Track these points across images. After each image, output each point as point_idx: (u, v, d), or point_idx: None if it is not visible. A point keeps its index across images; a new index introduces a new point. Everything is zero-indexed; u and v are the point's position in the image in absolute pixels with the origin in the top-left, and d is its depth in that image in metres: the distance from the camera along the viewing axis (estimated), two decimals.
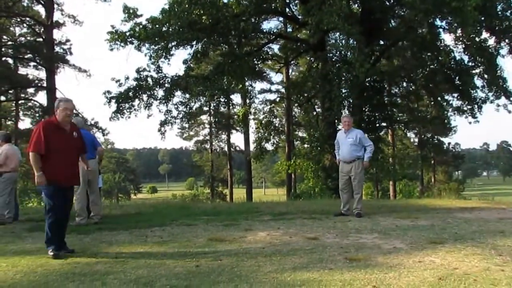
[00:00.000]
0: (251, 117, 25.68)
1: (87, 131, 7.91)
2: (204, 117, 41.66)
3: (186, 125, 38.64)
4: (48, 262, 4.47)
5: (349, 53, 16.93)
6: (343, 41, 18.15)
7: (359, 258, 4.30)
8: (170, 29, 16.41)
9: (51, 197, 4.86)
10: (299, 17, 20.81)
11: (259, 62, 22.74)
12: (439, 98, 19.49)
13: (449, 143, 42.61)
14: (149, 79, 17.83)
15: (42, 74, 27.04)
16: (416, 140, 38.67)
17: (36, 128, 4.89)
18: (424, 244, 5.01)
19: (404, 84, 22.22)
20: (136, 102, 18.07)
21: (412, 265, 4.02)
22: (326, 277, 3.64)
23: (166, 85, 17.97)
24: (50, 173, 4.80)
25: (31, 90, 29.30)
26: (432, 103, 22.18)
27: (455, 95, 19.82)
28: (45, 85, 26.00)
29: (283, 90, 33.46)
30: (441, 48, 18.03)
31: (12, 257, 4.74)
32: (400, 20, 17.64)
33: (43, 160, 4.80)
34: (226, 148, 42.53)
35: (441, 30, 17.66)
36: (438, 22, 17.34)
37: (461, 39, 17.83)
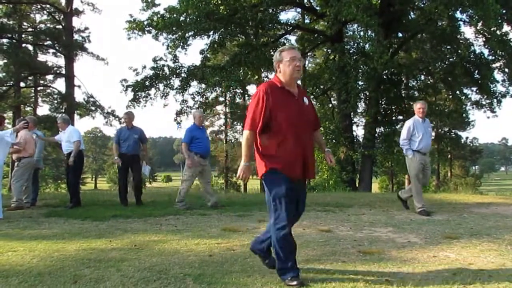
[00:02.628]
0: None
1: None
2: (219, 108, 41.66)
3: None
4: (64, 247, 4.55)
5: (367, 45, 16.74)
6: (361, 33, 17.95)
7: (373, 252, 4.27)
8: (188, 19, 16.44)
9: (281, 198, 3.29)
10: (317, 8, 20.62)
11: None
12: (457, 92, 19.13)
13: (466, 138, 41.88)
14: (166, 69, 17.92)
15: (61, 61, 27.36)
16: (433, 134, 38.15)
17: (255, 93, 3.41)
18: (439, 239, 4.95)
19: (422, 77, 21.86)
20: (153, 91, 18.22)
21: (427, 259, 3.99)
22: (339, 270, 3.63)
23: (183, 74, 18.03)
24: (275, 159, 3.32)
25: (50, 77, 29.61)
26: (450, 96, 21.82)
27: (474, 89, 19.45)
28: (63, 72, 26.32)
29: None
30: (461, 41, 17.69)
31: (29, 242, 4.83)
32: (420, 12, 17.31)
33: (263, 140, 3.36)
34: (241, 139, 42.53)
35: (461, 23, 17.31)
36: (458, 15, 17.01)
37: (481, 32, 17.46)
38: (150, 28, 17.30)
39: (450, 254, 4.20)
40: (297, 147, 3.32)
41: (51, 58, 44.44)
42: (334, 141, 19.08)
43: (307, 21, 24.89)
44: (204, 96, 19.46)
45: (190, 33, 17.04)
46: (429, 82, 21.67)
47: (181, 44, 17.41)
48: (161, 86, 18.19)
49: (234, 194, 17.81)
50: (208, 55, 18.96)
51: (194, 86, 18.95)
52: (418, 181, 7.13)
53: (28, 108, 31.29)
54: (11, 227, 5.94)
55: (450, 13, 15.52)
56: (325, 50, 24.37)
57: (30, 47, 27.98)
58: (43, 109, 76.36)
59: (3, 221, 6.42)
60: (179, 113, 19.10)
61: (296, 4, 21.17)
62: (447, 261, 3.93)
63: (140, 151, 8.50)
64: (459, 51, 17.16)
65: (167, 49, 17.67)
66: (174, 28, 16.76)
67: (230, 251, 4.38)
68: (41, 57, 29.09)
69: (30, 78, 28.58)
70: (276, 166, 3.29)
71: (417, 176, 7.09)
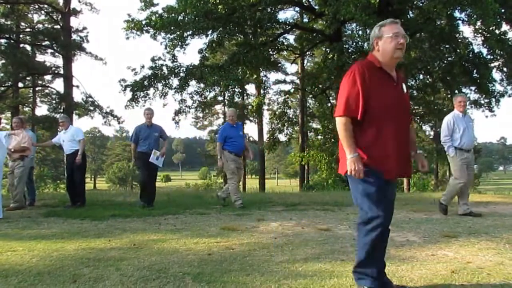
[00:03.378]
0: (265, 107, 25.72)
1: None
2: (218, 107, 41.65)
3: (200, 115, 38.70)
4: (63, 247, 4.56)
5: (365, 44, 16.74)
6: (360, 32, 17.96)
7: None
8: (186, 18, 16.42)
9: (372, 198, 2.85)
10: (316, 7, 20.60)
11: (274, 53, 22.60)
12: (456, 91, 19.14)
13: None
14: (164, 68, 17.90)
15: (59, 61, 27.36)
16: (432, 133, 38.20)
17: (349, 72, 2.86)
18: (437, 237, 4.97)
19: (421, 76, 21.88)
20: (151, 91, 18.20)
21: (425, 258, 4.00)
22: (338, 268, 3.64)
23: (181, 74, 18.01)
24: (366, 153, 2.80)
25: (48, 77, 29.62)
26: (449, 96, 21.84)
27: (473, 88, 19.46)
28: (62, 72, 26.31)
29: (297, 81, 33.28)
30: (460, 40, 17.71)
31: (28, 242, 4.84)
32: (418, 11, 17.33)
33: (357, 130, 2.81)
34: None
35: (460, 22, 17.33)
36: (457, 14, 17.02)
37: (480, 31, 17.47)
38: (149, 27, 17.29)
39: (449, 252, 4.22)
40: (393, 140, 2.81)
41: (49, 58, 44.32)
42: (332, 140, 19.11)
43: (305, 20, 24.91)
44: (203, 96, 19.47)
45: (188, 33, 17.03)
46: (427, 81, 21.68)
47: (180, 43, 17.41)
48: (159, 85, 18.18)
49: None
50: (207, 55, 18.94)
51: (193, 86, 18.96)
52: (462, 180, 6.59)
53: (26, 109, 31.27)
54: (11, 227, 5.94)
55: (448, 12, 15.54)
56: (323, 49, 24.34)
57: (28, 47, 27.97)
58: (42, 110, 76.22)
59: (3, 221, 6.42)
60: (177, 112, 19.10)
61: (294, 3, 21.17)
62: (446, 259, 3.94)
63: (159, 149, 8.34)
64: (458, 50, 17.18)
65: (166, 48, 17.67)
66: (172, 28, 16.75)
67: (229, 250, 4.39)
68: (39, 57, 29.11)
69: (28, 78, 28.57)
70: (368, 162, 2.79)
71: (461, 176, 6.60)
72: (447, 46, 18.17)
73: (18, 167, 7.81)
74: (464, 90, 19.80)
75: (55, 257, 4.09)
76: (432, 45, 18.68)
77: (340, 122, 2.81)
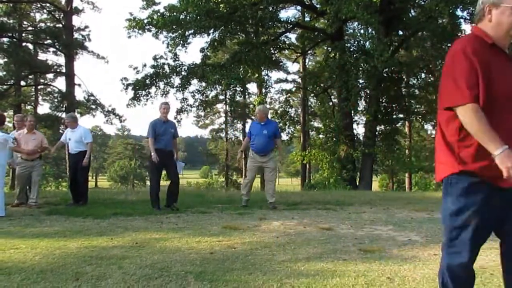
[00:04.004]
0: (267, 106, 25.64)
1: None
2: (219, 106, 41.68)
3: (202, 114, 38.77)
4: (65, 245, 4.56)
5: (367, 43, 16.75)
6: (362, 31, 17.96)
7: (374, 250, 4.28)
8: (188, 17, 16.45)
9: (462, 210, 2.11)
10: (317, 6, 20.59)
11: (275, 52, 22.63)
12: None
13: None
14: (166, 67, 17.94)
15: (61, 60, 27.40)
16: (434, 132, 38.14)
17: (458, 50, 2.13)
18: (440, 237, 4.94)
19: (423, 75, 21.90)
20: (153, 89, 18.25)
21: (428, 257, 3.99)
22: (340, 268, 3.64)
23: (183, 73, 18.06)
24: (477, 154, 2.06)
25: (50, 75, 29.63)
26: None
27: None
28: (64, 70, 26.33)
29: (299, 80, 33.29)
30: None
31: (31, 239, 4.84)
32: (420, 10, 17.32)
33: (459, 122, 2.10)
34: (241, 137, 42.57)
35: (462, 20, 17.34)
36: (459, 12, 17.01)
37: None
38: (150, 26, 17.31)
39: None
40: None
41: (51, 57, 44.26)
42: (334, 139, 19.09)
43: (307, 19, 24.88)
44: (204, 94, 19.50)
45: (190, 31, 17.07)
46: (430, 80, 21.68)
47: (181, 42, 17.44)
48: (161, 84, 18.23)
49: (235, 192, 17.82)
50: (208, 53, 18.98)
51: (195, 84, 19.02)
52: None
53: (28, 107, 31.33)
54: (13, 224, 5.95)
55: (450, 11, 15.54)
56: (325, 48, 24.36)
57: (31, 46, 27.99)
58: (44, 108, 76.30)
59: (5, 219, 6.43)
60: (179, 111, 19.13)
61: (296, 2, 21.17)
62: None
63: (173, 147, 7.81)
64: None
65: (167, 47, 17.71)
66: (174, 27, 16.79)
67: (231, 248, 4.39)
68: (42, 56, 29.14)
69: (30, 77, 28.59)
70: (475, 167, 2.06)
71: None
72: (449, 44, 18.12)
73: (39, 166, 8.01)
74: None
75: (58, 255, 4.10)
76: (434, 43, 18.68)
77: (470, 111, 2.02)
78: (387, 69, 17.07)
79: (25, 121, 8.31)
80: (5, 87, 25.62)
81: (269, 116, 22.59)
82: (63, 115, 25.76)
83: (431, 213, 6.89)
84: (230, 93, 20.53)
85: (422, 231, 5.29)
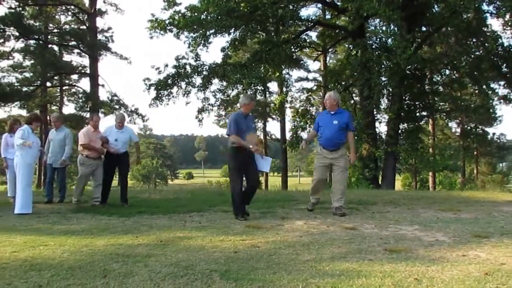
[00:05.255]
0: (288, 105, 25.59)
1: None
2: None
3: (223, 113, 38.83)
4: (92, 242, 4.64)
5: (389, 40, 16.49)
6: (384, 28, 17.70)
7: (400, 250, 4.21)
8: (209, 17, 16.52)
9: None
10: (338, 3, 20.41)
11: (296, 50, 22.52)
12: (484, 86, 18.66)
13: (493, 134, 40.78)
14: (188, 67, 18.06)
15: (86, 61, 27.96)
16: (458, 130, 37.39)
17: None
18: (468, 237, 4.85)
19: (447, 71, 21.42)
20: (175, 89, 18.39)
21: (456, 258, 3.90)
22: (366, 268, 3.60)
23: (204, 72, 18.14)
24: None
25: (74, 76, 30.29)
26: (477, 91, 21.33)
27: (502, 83, 18.97)
28: (88, 71, 26.85)
29: (320, 78, 33.05)
30: (488, 34, 17.24)
31: (59, 236, 4.95)
32: (444, 5, 16.94)
33: None
34: (262, 136, 42.57)
35: (488, 15, 16.88)
36: (485, 7, 16.57)
37: (509, 24, 16.98)
38: (172, 27, 17.45)
39: (481, 253, 4.11)
40: None
41: (76, 58, 45.31)
42: (356, 138, 18.89)
43: (328, 16, 24.70)
44: (225, 94, 19.54)
45: (211, 31, 17.12)
46: (454, 76, 21.21)
47: (202, 42, 17.50)
48: (183, 84, 18.35)
49: (256, 191, 17.82)
50: (229, 53, 19.01)
51: (216, 84, 19.10)
52: None
53: (54, 107, 32.05)
54: (41, 222, 6.10)
55: (476, 5, 15.13)
56: (346, 45, 24.12)
57: (56, 48, 28.66)
58: (69, 108, 77.99)
59: (34, 216, 6.60)
60: (200, 110, 19.24)
61: (316, 0, 21.02)
62: (478, 260, 3.84)
63: None
64: (486, 44, 16.70)
65: (189, 47, 17.81)
66: (195, 27, 16.86)
67: (255, 247, 4.39)
68: (66, 57, 29.84)
69: (56, 78, 29.31)
70: None
71: None
72: (474, 40, 17.73)
73: (101, 165, 8.07)
74: (492, 85, 19.33)
75: (85, 252, 4.17)
76: (458, 39, 18.26)
77: None
78: (410, 66, 16.77)
79: (91, 119, 8.51)
80: (32, 88, 26.27)
81: (290, 114, 21.66)
82: (88, 115, 26.27)
83: (458, 213, 6.75)
84: (251, 92, 20.53)
85: (449, 232, 5.18)
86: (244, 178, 6.47)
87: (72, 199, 8.17)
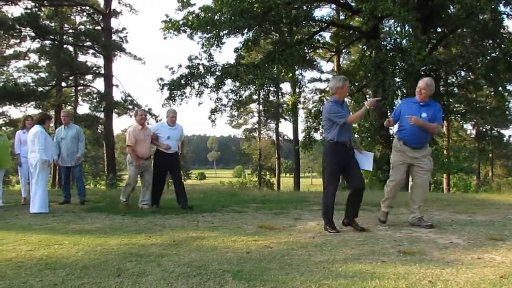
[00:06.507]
0: (300, 106, 25.53)
1: None
2: (253, 106, 41.85)
3: (236, 113, 38.97)
4: (106, 242, 4.69)
5: (404, 41, 16.33)
6: (398, 28, 17.54)
7: (413, 252, 4.17)
8: (222, 18, 16.54)
9: None
10: (352, 4, 20.30)
11: (310, 51, 22.45)
12: (500, 88, 18.38)
13: (509, 136, 40.30)
14: (201, 67, 18.12)
15: (100, 61, 28.26)
16: (473, 132, 36.88)
17: None
18: (483, 240, 4.78)
19: (462, 73, 21.14)
20: (188, 89, 18.46)
21: (471, 261, 3.85)
22: (379, 270, 3.57)
23: (217, 73, 18.18)
24: None
25: (89, 76, 30.63)
26: (492, 93, 21.03)
27: None
28: (102, 72, 27.13)
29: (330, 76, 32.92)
30: (505, 35, 16.98)
31: (73, 236, 5.01)
32: (460, 5, 16.74)
33: None
34: (274, 137, 42.58)
35: (505, 16, 16.63)
36: (501, 8, 16.33)
37: None
38: (186, 27, 17.54)
39: (496, 256, 4.05)
40: None
41: (91, 59, 45.72)
42: (369, 139, 18.77)
43: (342, 17, 24.59)
44: (238, 94, 19.54)
45: (224, 32, 17.15)
46: (469, 78, 20.91)
47: (216, 42, 17.54)
48: (196, 84, 18.42)
49: (268, 192, 17.84)
50: (242, 53, 19.02)
51: (228, 84, 19.09)
52: None
53: (69, 107, 32.43)
54: (56, 221, 6.18)
55: (493, 6, 14.92)
56: (360, 46, 23.98)
57: (71, 48, 29.01)
58: (83, 108, 78.90)
59: (49, 215, 6.70)
60: (213, 111, 19.28)
61: (331, 0, 20.94)
62: (493, 263, 3.79)
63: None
64: (503, 45, 16.45)
65: (202, 48, 17.87)
66: (208, 27, 16.92)
67: (268, 248, 4.39)
68: (81, 58, 30.22)
69: (70, 78, 29.66)
70: None
71: None
72: (490, 41, 17.46)
73: (151, 165, 7.60)
74: (509, 87, 19.03)
75: (99, 252, 4.22)
76: (474, 40, 18.03)
77: None
78: (424, 67, 16.57)
79: (135, 115, 7.73)
80: (47, 88, 26.63)
81: (303, 115, 21.28)
82: (102, 115, 26.55)
83: (473, 216, 6.65)
84: (264, 93, 20.52)
85: (464, 234, 5.11)
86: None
87: (120, 198, 7.61)
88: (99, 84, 52.48)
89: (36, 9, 24.87)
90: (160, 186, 7.69)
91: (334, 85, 5.44)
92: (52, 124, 11.37)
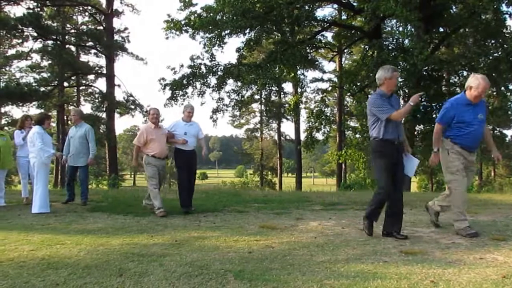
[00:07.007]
0: (302, 106, 25.52)
1: None
2: (255, 106, 41.89)
3: (237, 113, 39.01)
4: (108, 241, 4.69)
5: (406, 41, 16.34)
6: (400, 28, 17.52)
7: (415, 252, 4.17)
8: (224, 18, 16.57)
9: None
10: (354, 3, 20.29)
11: (311, 51, 22.45)
12: (502, 88, 18.35)
13: None
14: (203, 67, 18.16)
15: (102, 61, 28.35)
16: None
17: None
18: (485, 240, 4.77)
19: (465, 73, 21.09)
20: (190, 89, 18.50)
21: (473, 261, 3.84)
22: (381, 270, 3.56)
23: (219, 73, 18.22)
24: None
25: (91, 76, 30.70)
26: (495, 93, 20.98)
27: None
28: (104, 72, 27.19)
29: (335, 79, 32.90)
30: (507, 35, 16.94)
31: (75, 235, 5.02)
32: (462, 5, 16.73)
33: None
34: (276, 137, 42.61)
35: (507, 16, 16.59)
36: (504, 8, 16.30)
37: None
38: (187, 27, 17.57)
39: (498, 256, 4.04)
40: None
41: (93, 59, 45.89)
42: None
43: (344, 17, 24.58)
44: (240, 94, 19.58)
45: (226, 32, 17.17)
46: None
47: (218, 42, 17.57)
48: (198, 84, 18.46)
49: (270, 192, 17.83)
50: (244, 53, 19.05)
51: (230, 84, 19.15)
52: None
53: (71, 107, 32.50)
54: (58, 221, 6.19)
55: (495, 6, 14.89)
56: (362, 46, 23.99)
57: (73, 48, 29.10)
58: (85, 108, 79.11)
59: (51, 215, 6.71)
60: (215, 111, 19.32)
61: (333, 0, 20.93)
62: (495, 263, 3.78)
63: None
64: (505, 45, 16.42)
65: (204, 47, 17.90)
66: (210, 27, 16.94)
67: (269, 248, 4.39)
68: (83, 58, 30.30)
69: (73, 78, 29.72)
70: None
71: None
72: (493, 41, 17.44)
73: (165, 166, 7.36)
74: (511, 87, 18.99)
75: (101, 251, 4.22)
76: (476, 40, 18.01)
77: None
78: (427, 67, 16.59)
79: (148, 114, 7.44)
80: (49, 88, 26.70)
81: (305, 115, 21.14)
82: (104, 115, 26.59)
83: (475, 216, 6.65)
84: (266, 92, 20.57)
85: None
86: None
87: (156, 205, 6.79)
88: (101, 84, 52.66)
89: (38, 9, 24.95)
90: (186, 185, 7.12)
91: (382, 76, 4.93)
92: (54, 124, 11.41)
